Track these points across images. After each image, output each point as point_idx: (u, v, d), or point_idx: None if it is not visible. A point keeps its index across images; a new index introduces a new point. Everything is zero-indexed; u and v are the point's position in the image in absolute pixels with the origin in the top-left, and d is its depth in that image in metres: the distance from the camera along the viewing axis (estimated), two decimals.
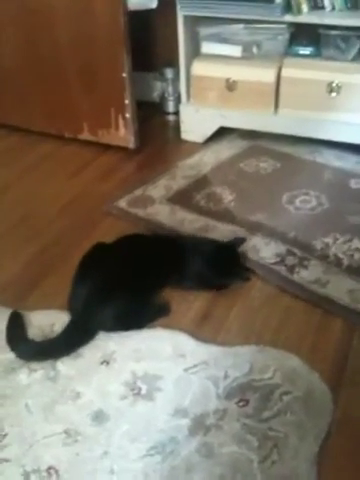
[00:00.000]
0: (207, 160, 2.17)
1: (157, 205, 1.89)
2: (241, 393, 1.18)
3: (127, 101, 2.15)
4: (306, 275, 1.51)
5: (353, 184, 1.97)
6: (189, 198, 1.92)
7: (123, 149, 2.23)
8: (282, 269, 1.54)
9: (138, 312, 1.39)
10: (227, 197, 1.91)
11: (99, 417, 1.15)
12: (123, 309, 1.36)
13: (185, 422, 1.13)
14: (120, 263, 1.44)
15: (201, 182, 2.02)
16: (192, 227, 1.75)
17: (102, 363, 1.28)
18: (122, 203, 1.90)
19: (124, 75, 2.10)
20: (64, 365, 1.27)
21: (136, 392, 1.20)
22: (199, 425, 1.12)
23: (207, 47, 2.25)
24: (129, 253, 1.48)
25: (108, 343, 1.33)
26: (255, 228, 1.72)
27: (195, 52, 2.26)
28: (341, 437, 1.09)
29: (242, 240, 1.57)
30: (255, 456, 1.06)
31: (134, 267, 1.42)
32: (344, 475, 1.03)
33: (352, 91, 2.01)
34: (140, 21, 2.22)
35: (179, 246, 1.54)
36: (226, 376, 1.22)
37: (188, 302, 1.46)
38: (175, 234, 1.69)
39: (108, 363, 1.28)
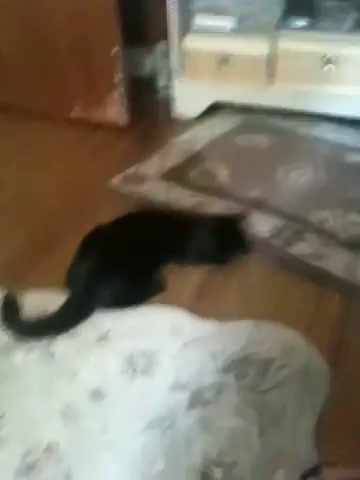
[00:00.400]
0: (201, 136, 2.14)
1: (151, 182, 1.86)
2: (239, 367, 1.18)
3: (118, 77, 2.12)
4: (302, 248, 1.50)
5: (349, 158, 1.95)
6: (184, 174, 1.90)
7: (115, 126, 2.20)
8: (278, 243, 1.53)
9: (136, 290, 1.38)
10: (222, 173, 1.89)
11: (97, 394, 1.15)
12: (122, 287, 1.36)
13: (184, 396, 1.13)
14: (120, 242, 1.43)
15: (196, 158, 2.00)
16: (187, 204, 1.73)
17: (99, 341, 1.27)
18: (116, 181, 1.87)
19: (115, 51, 2.06)
20: (61, 344, 1.26)
21: (134, 368, 1.20)
22: (198, 399, 1.12)
23: (200, 19, 2.20)
24: (129, 231, 1.47)
25: (105, 321, 1.32)
26: (251, 203, 1.70)
27: (187, 26, 2.21)
28: (338, 410, 1.09)
29: (244, 214, 1.56)
30: (254, 428, 1.06)
31: (134, 245, 1.41)
32: (341, 447, 1.03)
33: (348, 63, 1.97)
34: None
35: (180, 222, 1.53)
36: (224, 350, 1.22)
37: (185, 278, 1.45)
38: (175, 211, 1.68)
39: (105, 341, 1.27)
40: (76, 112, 2.26)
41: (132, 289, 1.37)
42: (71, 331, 1.29)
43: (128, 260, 1.38)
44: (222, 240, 1.47)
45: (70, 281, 1.38)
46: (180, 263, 1.49)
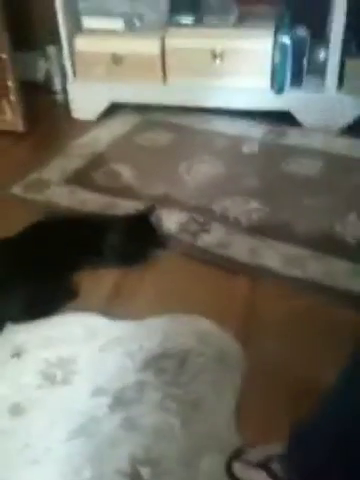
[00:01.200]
0: (102, 137, 2.14)
1: (55, 187, 1.83)
2: (158, 362, 1.20)
3: (10, 83, 2.06)
4: (209, 239, 1.55)
5: (245, 148, 2.03)
6: (87, 177, 1.88)
7: (12, 133, 2.13)
8: (185, 237, 1.56)
9: (45, 300, 1.35)
10: (126, 173, 1.89)
11: (16, 410, 1.12)
12: (29, 298, 1.32)
13: (105, 400, 1.12)
14: (26, 252, 1.39)
15: (98, 160, 1.99)
16: (94, 207, 1.72)
17: (13, 356, 1.23)
18: (16, 189, 1.82)
19: (4, 56, 2.00)
20: None
21: (52, 379, 1.17)
22: (119, 400, 1.12)
23: (88, 22, 2.19)
24: (36, 240, 1.43)
25: (17, 335, 1.28)
26: (157, 200, 1.72)
27: (77, 27, 2.19)
28: (255, 389, 1.14)
29: (152, 208, 1.56)
30: (176, 420, 1.08)
31: (41, 254, 1.37)
32: (261, 424, 1.07)
33: (235, 57, 2.05)
34: None
35: (89, 226, 1.51)
36: (141, 348, 1.23)
37: (98, 281, 1.44)
38: (83, 215, 1.65)
39: (19, 355, 1.23)
40: None
41: (40, 300, 1.34)
42: None
43: (35, 270, 1.34)
44: (134, 238, 1.47)
45: None
46: (94, 266, 1.47)
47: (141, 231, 1.49)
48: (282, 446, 0.93)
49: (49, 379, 1.17)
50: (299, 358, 1.19)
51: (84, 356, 1.22)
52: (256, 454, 1.00)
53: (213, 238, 1.55)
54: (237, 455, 1.01)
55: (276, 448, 0.98)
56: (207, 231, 1.58)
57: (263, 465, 0.96)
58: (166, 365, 1.19)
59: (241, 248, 1.50)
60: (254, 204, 1.69)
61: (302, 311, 1.30)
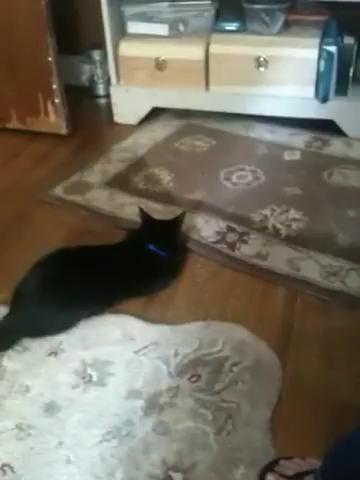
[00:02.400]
0: (142, 142, 2.15)
1: (95, 190, 1.85)
2: (192, 369, 1.19)
3: (55, 86, 2.09)
4: (247, 250, 1.53)
5: (286, 156, 2.01)
6: (127, 181, 1.90)
7: (55, 135, 2.17)
8: (223, 247, 1.55)
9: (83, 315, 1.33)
10: (165, 178, 1.90)
11: (51, 408, 1.13)
12: (48, 317, 1.29)
13: (139, 403, 1.13)
14: (74, 273, 1.33)
15: (138, 164, 2.00)
16: (132, 211, 1.73)
17: (50, 355, 1.25)
18: (58, 191, 1.85)
19: (50, 59, 2.04)
20: (10, 360, 1.24)
21: (87, 379, 1.19)
22: (153, 405, 1.12)
23: (133, 27, 2.21)
24: (85, 265, 1.36)
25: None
26: (195, 207, 1.72)
27: (122, 32, 2.22)
28: (291, 401, 1.12)
29: (142, 211, 1.49)
30: (210, 428, 1.07)
31: (89, 286, 1.32)
32: (296, 438, 1.05)
33: (279, 64, 2.03)
34: (62, 2, 2.15)
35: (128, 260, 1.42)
36: (176, 354, 1.23)
37: None
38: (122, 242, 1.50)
39: (56, 354, 1.25)
40: (13, 122, 2.22)
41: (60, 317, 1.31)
42: (21, 347, 1.26)
43: (81, 299, 1.30)
44: (167, 245, 1.44)
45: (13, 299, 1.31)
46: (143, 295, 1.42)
47: (168, 235, 1.46)
48: (317, 462, 0.92)
49: (85, 379, 1.19)
50: (337, 373, 1.17)
51: (120, 358, 1.23)
52: (290, 467, 0.98)
53: (251, 249, 1.53)
54: (271, 467, 1.00)
55: (311, 463, 0.96)
56: (245, 241, 1.56)
57: (297, 479, 0.95)
58: (201, 372, 1.19)
59: (280, 259, 1.49)
60: (294, 214, 1.67)
61: (341, 326, 1.28)
